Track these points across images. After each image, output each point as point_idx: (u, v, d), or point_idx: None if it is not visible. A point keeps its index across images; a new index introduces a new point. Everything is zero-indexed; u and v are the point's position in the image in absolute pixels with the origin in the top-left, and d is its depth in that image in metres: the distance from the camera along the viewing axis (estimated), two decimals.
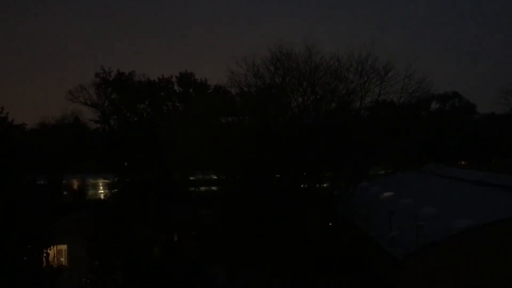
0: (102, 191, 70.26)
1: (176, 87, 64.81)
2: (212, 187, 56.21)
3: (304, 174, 39.29)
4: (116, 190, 51.69)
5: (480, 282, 27.27)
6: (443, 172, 53.05)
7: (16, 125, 29.87)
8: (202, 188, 58.25)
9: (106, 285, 28.94)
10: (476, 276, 27.33)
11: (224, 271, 35.43)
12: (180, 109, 60.01)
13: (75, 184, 69.89)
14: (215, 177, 50.61)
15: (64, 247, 35.99)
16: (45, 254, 28.25)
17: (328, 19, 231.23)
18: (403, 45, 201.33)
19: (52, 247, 29.68)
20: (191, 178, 55.46)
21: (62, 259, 35.73)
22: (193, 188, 56.66)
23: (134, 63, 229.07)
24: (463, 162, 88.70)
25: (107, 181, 59.92)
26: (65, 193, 64.72)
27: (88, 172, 71.56)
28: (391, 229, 33.35)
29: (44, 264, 28.29)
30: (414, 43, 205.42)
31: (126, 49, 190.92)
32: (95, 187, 73.83)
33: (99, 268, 29.04)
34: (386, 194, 45.23)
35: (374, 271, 33.86)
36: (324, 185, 40.80)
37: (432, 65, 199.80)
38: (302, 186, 39.42)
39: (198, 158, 40.11)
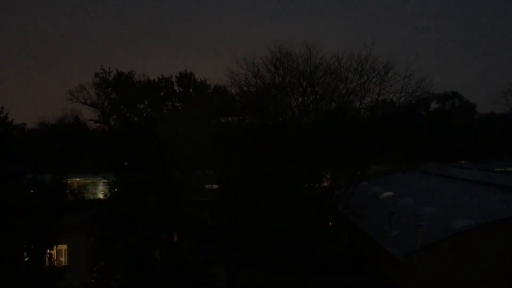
0: (102, 191, 70.23)
1: (176, 87, 64.86)
2: (212, 187, 56.18)
3: (304, 174, 39.30)
4: (116, 190, 51.62)
5: (480, 282, 27.30)
6: (443, 172, 53.05)
7: (16, 125, 29.88)
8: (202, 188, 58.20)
9: (109, 285, 28.93)
10: (476, 276, 27.35)
11: (225, 271, 35.46)
12: (180, 109, 60.01)
13: (75, 183, 69.87)
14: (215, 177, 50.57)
15: (64, 247, 35.94)
16: (48, 255, 28.28)
17: (328, 19, 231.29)
18: (403, 45, 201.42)
19: (54, 247, 29.71)
20: (191, 177, 55.41)
21: (62, 259, 35.71)
22: (193, 188, 56.63)
23: (134, 63, 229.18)
24: (463, 162, 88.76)
25: (107, 181, 59.88)
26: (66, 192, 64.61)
27: (88, 172, 71.53)
28: (391, 229, 33.37)
29: (47, 264, 28.32)
30: (414, 43, 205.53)
31: (126, 49, 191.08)
32: (95, 187, 73.80)
33: (105, 268, 29.00)
34: (386, 194, 45.25)
35: (374, 271, 33.87)
36: (324, 185, 40.82)
37: (432, 65, 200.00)
38: (302, 186, 39.43)
39: (198, 158, 40.13)
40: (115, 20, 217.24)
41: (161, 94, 63.21)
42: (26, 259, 28.02)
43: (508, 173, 51.44)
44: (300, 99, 39.63)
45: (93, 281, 29.21)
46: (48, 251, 28.73)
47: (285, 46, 38.81)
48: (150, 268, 29.27)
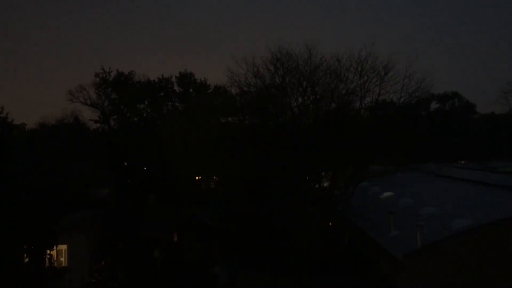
0: (103, 191, 70.19)
1: (176, 87, 64.80)
2: (212, 187, 56.25)
3: (305, 174, 39.29)
4: (116, 190, 51.66)
5: (480, 282, 27.29)
6: (443, 172, 53.04)
7: (16, 125, 29.96)
8: (202, 188, 58.25)
9: (110, 285, 28.99)
10: (476, 276, 27.35)
11: (225, 271, 35.48)
12: (180, 109, 60.00)
13: (75, 183, 69.70)
14: (215, 177, 50.64)
15: (64, 247, 35.99)
16: (48, 256, 28.32)
17: (328, 19, 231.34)
18: (403, 45, 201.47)
19: (54, 247, 29.75)
20: (191, 178, 55.45)
21: (62, 259, 35.75)
22: (193, 188, 56.69)
23: (134, 63, 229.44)
24: (463, 162, 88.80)
25: (107, 181, 59.82)
26: (65, 192, 64.56)
27: (88, 172, 71.35)
28: (391, 229, 33.36)
29: (47, 264, 28.36)
30: (414, 43, 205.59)
31: (126, 49, 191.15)
32: (95, 187, 73.67)
33: (105, 268, 29.05)
34: (386, 194, 45.23)
35: (374, 271, 33.85)
36: (324, 185, 40.84)
37: (432, 65, 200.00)
38: (302, 186, 39.43)
39: (198, 158, 40.10)
40: (115, 20, 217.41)
41: (161, 94, 63.17)
42: (26, 259, 28.05)
43: (508, 173, 51.39)
44: (300, 99, 39.64)
45: (93, 281, 29.28)
46: (48, 251, 28.77)
47: (285, 46, 38.88)
48: (150, 268, 29.32)
